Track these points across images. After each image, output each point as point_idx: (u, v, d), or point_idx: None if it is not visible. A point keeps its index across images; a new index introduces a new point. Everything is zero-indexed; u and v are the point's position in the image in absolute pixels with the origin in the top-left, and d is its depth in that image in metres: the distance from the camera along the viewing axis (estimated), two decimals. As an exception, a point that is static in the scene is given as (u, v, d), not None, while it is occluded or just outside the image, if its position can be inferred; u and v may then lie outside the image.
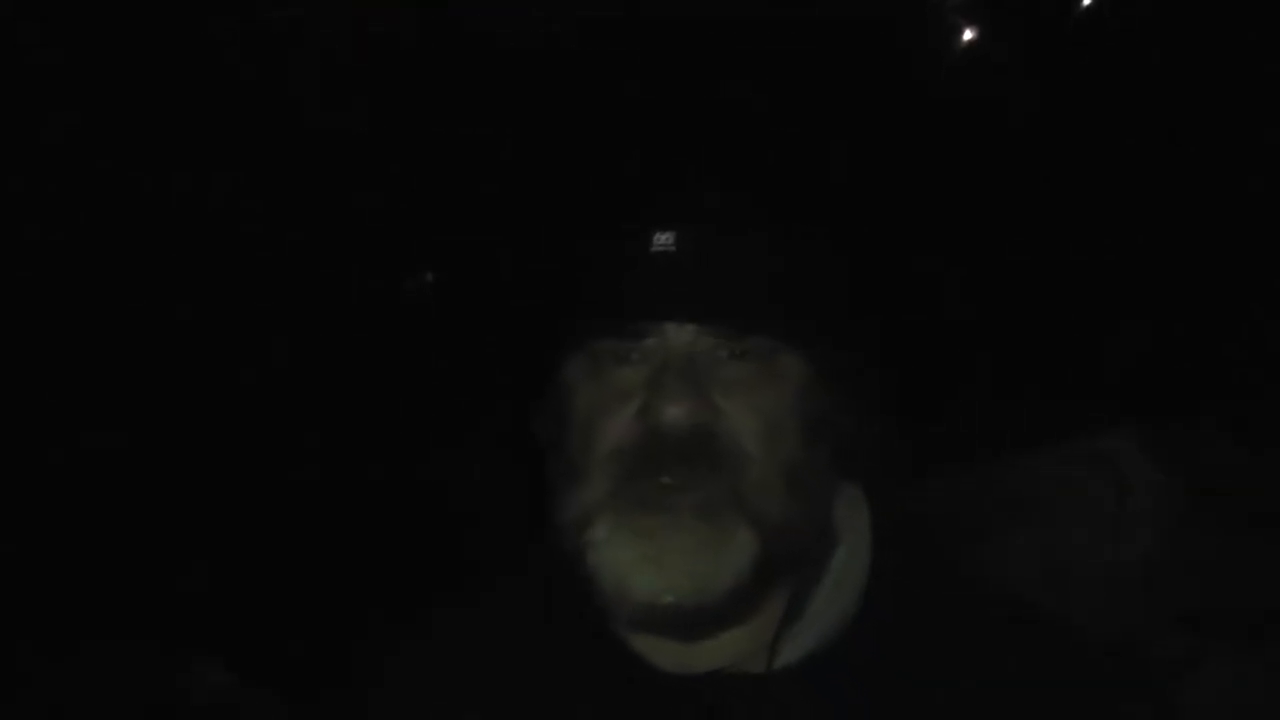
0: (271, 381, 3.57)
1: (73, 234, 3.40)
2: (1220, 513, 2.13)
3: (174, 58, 3.42)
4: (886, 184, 3.47)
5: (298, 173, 3.59)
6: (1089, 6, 3.45)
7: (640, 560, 0.91)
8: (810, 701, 0.95)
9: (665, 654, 0.98)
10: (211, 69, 3.48)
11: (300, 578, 3.34)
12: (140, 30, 3.37)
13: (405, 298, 3.90)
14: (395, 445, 3.59)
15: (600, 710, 0.98)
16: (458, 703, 1.02)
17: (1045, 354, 3.39)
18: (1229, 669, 1.97)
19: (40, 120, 3.33)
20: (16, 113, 3.27)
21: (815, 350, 0.98)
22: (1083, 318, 3.41)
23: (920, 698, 0.95)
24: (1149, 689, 1.00)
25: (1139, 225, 3.36)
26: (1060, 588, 2.04)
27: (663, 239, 0.96)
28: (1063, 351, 3.37)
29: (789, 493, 0.94)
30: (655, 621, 0.93)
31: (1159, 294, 3.34)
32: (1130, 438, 2.20)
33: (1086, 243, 3.42)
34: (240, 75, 3.51)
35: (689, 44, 3.46)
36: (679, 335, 0.95)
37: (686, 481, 0.92)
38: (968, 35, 3.59)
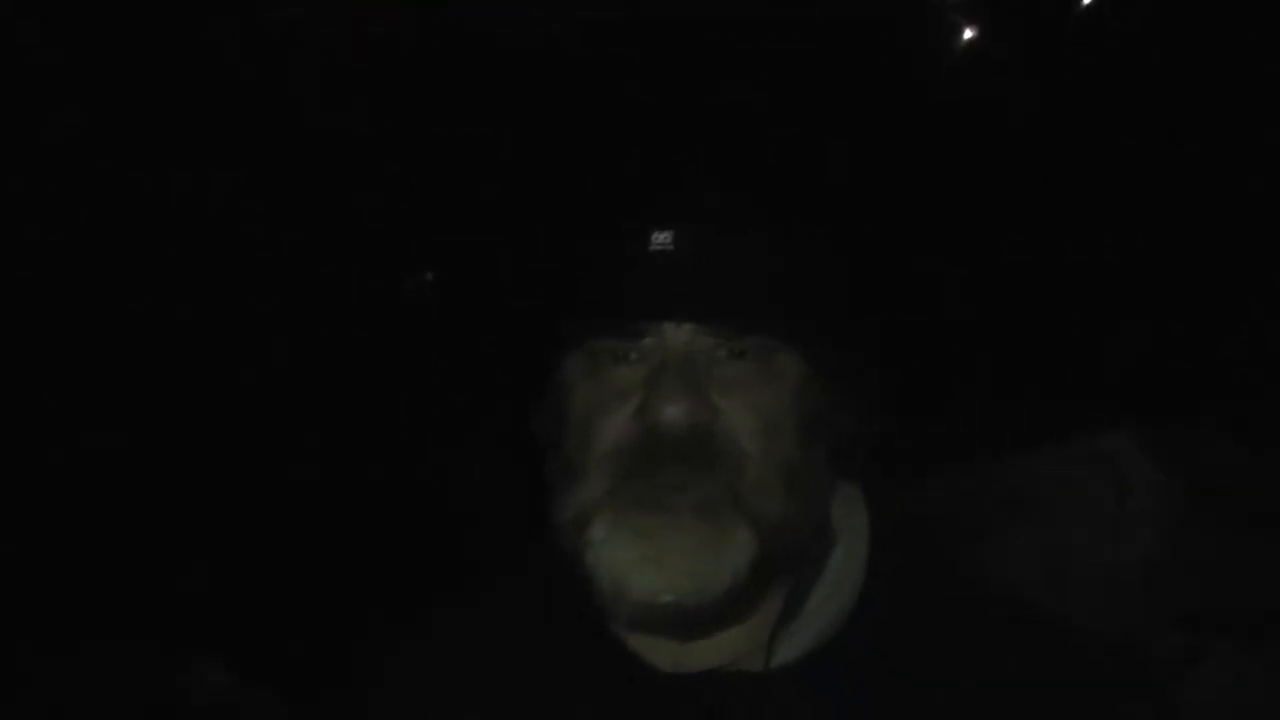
0: (271, 381, 3.57)
1: (73, 234, 3.40)
2: (1220, 513, 2.13)
3: (174, 58, 3.42)
4: (886, 184, 3.47)
5: (298, 173, 3.59)
6: (1089, 6, 3.45)
7: (639, 560, 0.91)
8: (808, 700, 0.95)
9: (663, 653, 0.98)
10: (211, 69, 3.47)
11: (300, 578, 3.34)
12: (140, 30, 3.37)
13: (405, 298, 3.90)
14: (395, 445, 3.59)
15: (599, 710, 0.98)
16: (457, 702, 1.03)
17: (1045, 354, 3.39)
18: (1229, 669, 1.97)
19: (40, 120, 3.33)
20: (16, 113, 3.27)
21: (814, 350, 0.98)
22: (1083, 318, 3.40)
23: (918, 697, 0.95)
24: (1149, 689, 1.00)
25: (1139, 225, 3.36)
26: (1060, 588, 2.04)
27: (661, 238, 0.96)
28: (1063, 351, 3.36)
29: (787, 492, 0.94)
30: (654, 621, 0.93)
31: (1159, 294, 3.33)
32: (1130, 438, 2.20)
33: (1086, 243, 3.41)
34: (240, 75, 3.51)
35: (689, 44, 3.46)
36: (677, 335, 0.95)
37: (685, 481, 0.92)
38: (968, 35, 3.59)
